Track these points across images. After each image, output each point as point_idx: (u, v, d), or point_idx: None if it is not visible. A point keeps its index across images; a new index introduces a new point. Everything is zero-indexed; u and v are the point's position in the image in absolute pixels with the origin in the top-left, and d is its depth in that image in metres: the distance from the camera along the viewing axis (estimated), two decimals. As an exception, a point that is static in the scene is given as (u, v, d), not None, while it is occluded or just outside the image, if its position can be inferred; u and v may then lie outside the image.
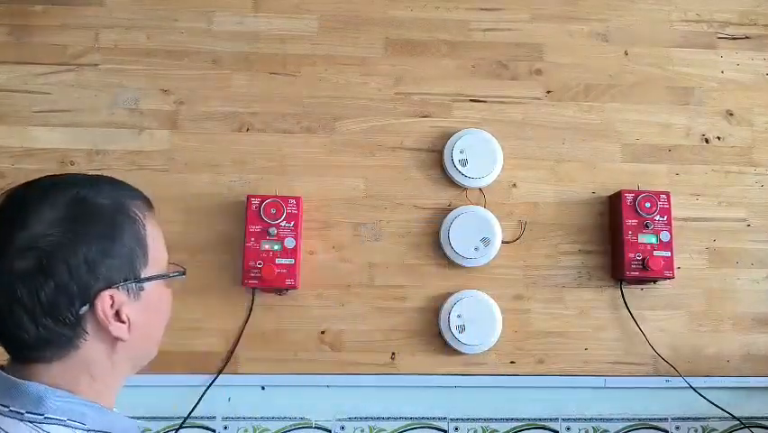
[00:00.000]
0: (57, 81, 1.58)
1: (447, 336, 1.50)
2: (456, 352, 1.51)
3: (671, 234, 1.50)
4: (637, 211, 1.51)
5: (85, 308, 0.65)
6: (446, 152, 1.57)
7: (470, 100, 1.63)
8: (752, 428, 1.53)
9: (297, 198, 1.49)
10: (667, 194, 1.53)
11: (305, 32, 1.63)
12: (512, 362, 1.53)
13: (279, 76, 1.61)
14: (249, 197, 1.48)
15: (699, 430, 1.54)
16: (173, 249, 1.65)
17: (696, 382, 1.51)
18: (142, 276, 0.69)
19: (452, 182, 1.58)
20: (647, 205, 1.51)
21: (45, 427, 0.63)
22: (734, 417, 1.52)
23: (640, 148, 1.63)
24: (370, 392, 1.51)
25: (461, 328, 1.48)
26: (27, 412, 0.63)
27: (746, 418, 1.53)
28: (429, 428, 1.51)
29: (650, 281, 1.54)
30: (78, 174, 0.71)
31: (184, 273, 0.76)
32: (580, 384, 1.53)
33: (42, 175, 0.70)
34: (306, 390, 1.51)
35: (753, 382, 1.54)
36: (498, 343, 1.52)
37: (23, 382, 0.64)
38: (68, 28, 1.60)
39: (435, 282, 1.55)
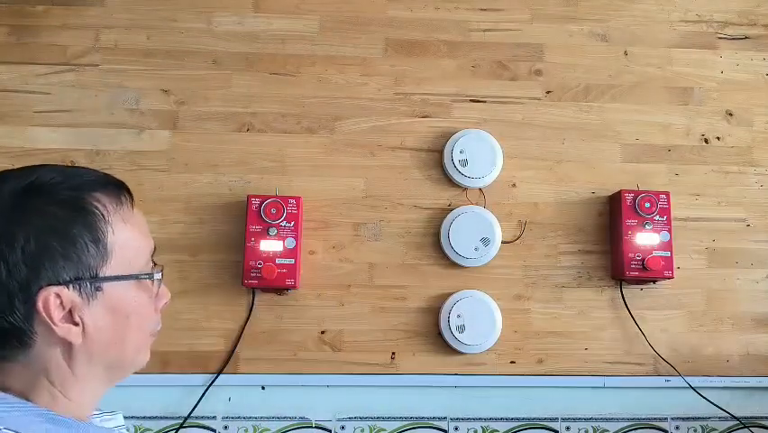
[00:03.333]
0: (57, 81, 1.58)
1: (447, 336, 1.50)
2: (456, 352, 1.51)
3: (670, 235, 1.50)
4: (637, 211, 1.51)
5: (27, 307, 0.60)
6: (446, 152, 1.57)
7: (470, 100, 1.63)
8: (751, 428, 1.54)
9: (297, 198, 1.49)
10: (667, 194, 1.53)
11: (305, 32, 1.64)
12: (512, 362, 1.53)
13: (279, 76, 1.61)
14: (249, 197, 1.48)
15: (699, 430, 1.54)
16: (174, 249, 1.66)
17: (696, 381, 1.52)
18: (101, 275, 0.63)
19: (452, 182, 1.58)
20: (647, 205, 1.51)
21: None
22: (733, 417, 1.52)
23: (640, 148, 1.63)
24: (370, 392, 1.51)
25: (461, 328, 1.48)
26: None
27: (746, 417, 1.53)
28: (429, 428, 1.51)
29: (650, 281, 1.54)
30: (40, 165, 0.65)
31: (153, 276, 0.69)
32: (580, 384, 1.53)
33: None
34: (306, 390, 1.51)
35: (752, 381, 1.54)
36: (498, 343, 1.52)
37: None
38: (68, 28, 1.60)
39: (435, 282, 1.55)
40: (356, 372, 1.51)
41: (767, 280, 1.59)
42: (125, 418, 1.52)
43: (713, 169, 1.63)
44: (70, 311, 0.62)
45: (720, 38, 1.70)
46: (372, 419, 1.51)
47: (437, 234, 1.55)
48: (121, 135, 1.57)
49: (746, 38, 1.70)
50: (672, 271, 1.48)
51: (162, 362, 1.48)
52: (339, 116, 1.60)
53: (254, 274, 1.44)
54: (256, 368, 1.50)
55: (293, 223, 1.48)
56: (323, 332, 1.52)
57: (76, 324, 0.62)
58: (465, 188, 1.59)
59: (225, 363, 1.49)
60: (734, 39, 1.70)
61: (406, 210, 1.58)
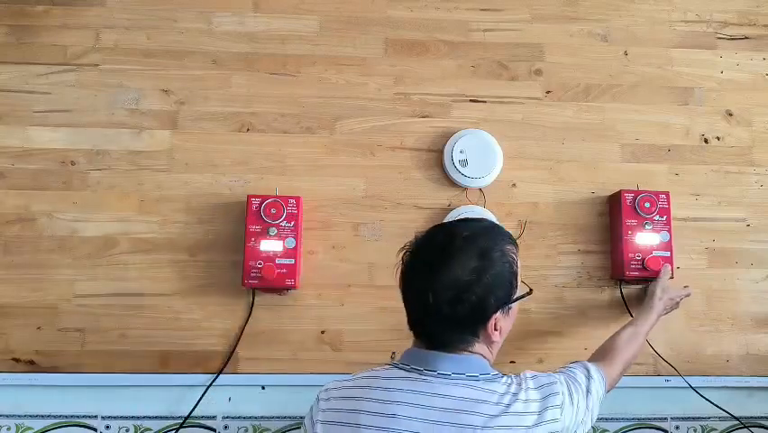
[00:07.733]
0: (57, 81, 1.58)
1: (447, 336, 1.49)
2: (456, 352, 1.51)
3: (670, 235, 1.50)
4: (637, 211, 1.51)
5: (480, 325, 0.98)
6: (446, 152, 1.57)
7: (470, 100, 1.63)
8: (751, 428, 1.54)
9: (297, 198, 1.49)
10: (667, 194, 1.53)
11: (305, 32, 1.64)
12: (512, 362, 1.53)
13: (279, 76, 1.61)
14: (249, 197, 1.48)
15: (699, 430, 1.54)
16: (174, 249, 1.65)
17: (696, 381, 1.51)
18: (512, 299, 1.00)
19: (452, 182, 1.58)
20: (647, 205, 1.51)
21: (498, 380, 0.97)
22: (733, 417, 1.52)
23: (640, 148, 1.63)
24: (370, 392, 1.51)
25: (461, 328, 1.48)
26: (481, 375, 0.97)
27: (746, 417, 1.53)
28: (429, 427, 1.51)
29: (650, 281, 1.54)
30: (478, 228, 1.02)
31: (531, 292, 1.05)
32: (580, 384, 1.52)
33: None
34: (306, 390, 1.50)
35: (752, 381, 1.54)
36: (498, 343, 1.51)
37: (468, 355, 0.98)
38: (68, 28, 1.60)
39: (435, 282, 1.54)
40: (356, 372, 1.50)
41: (767, 280, 1.60)
42: (126, 418, 1.52)
43: (713, 169, 1.63)
44: (495, 323, 0.98)
45: (720, 38, 1.70)
46: (372, 419, 1.50)
47: (437, 234, 1.55)
48: (121, 135, 1.57)
49: (746, 38, 1.70)
50: (672, 271, 1.48)
51: (162, 362, 1.48)
52: (339, 116, 1.60)
53: (254, 274, 1.44)
54: (256, 368, 1.50)
55: (293, 223, 1.47)
56: (323, 332, 1.52)
57: (497, 330, 0.99)
58: (465, 188, 1.59)
59: (225, 363, 1.49)
60: (734, 39, 1.70)
61: (406, 210, 1.58)
